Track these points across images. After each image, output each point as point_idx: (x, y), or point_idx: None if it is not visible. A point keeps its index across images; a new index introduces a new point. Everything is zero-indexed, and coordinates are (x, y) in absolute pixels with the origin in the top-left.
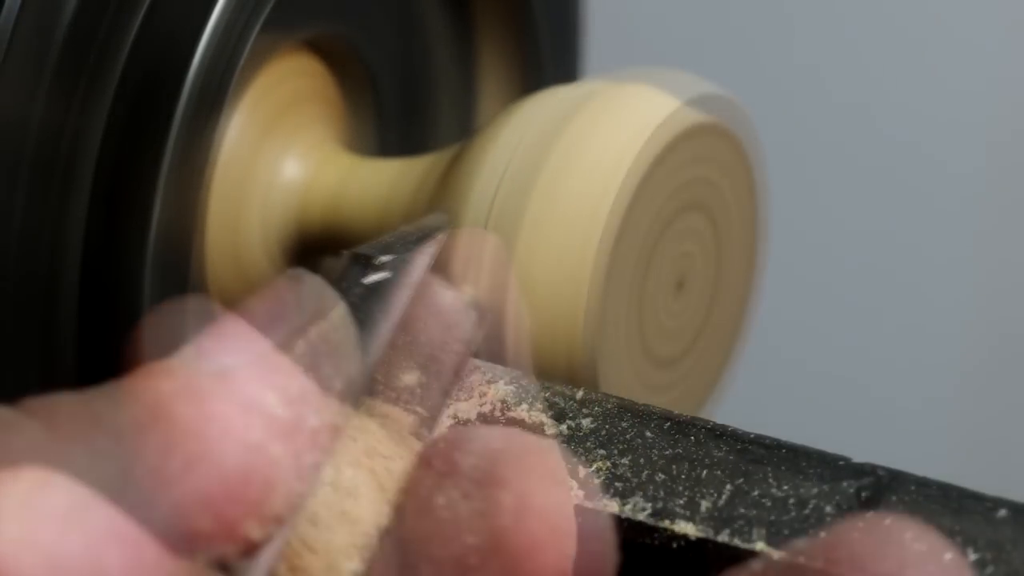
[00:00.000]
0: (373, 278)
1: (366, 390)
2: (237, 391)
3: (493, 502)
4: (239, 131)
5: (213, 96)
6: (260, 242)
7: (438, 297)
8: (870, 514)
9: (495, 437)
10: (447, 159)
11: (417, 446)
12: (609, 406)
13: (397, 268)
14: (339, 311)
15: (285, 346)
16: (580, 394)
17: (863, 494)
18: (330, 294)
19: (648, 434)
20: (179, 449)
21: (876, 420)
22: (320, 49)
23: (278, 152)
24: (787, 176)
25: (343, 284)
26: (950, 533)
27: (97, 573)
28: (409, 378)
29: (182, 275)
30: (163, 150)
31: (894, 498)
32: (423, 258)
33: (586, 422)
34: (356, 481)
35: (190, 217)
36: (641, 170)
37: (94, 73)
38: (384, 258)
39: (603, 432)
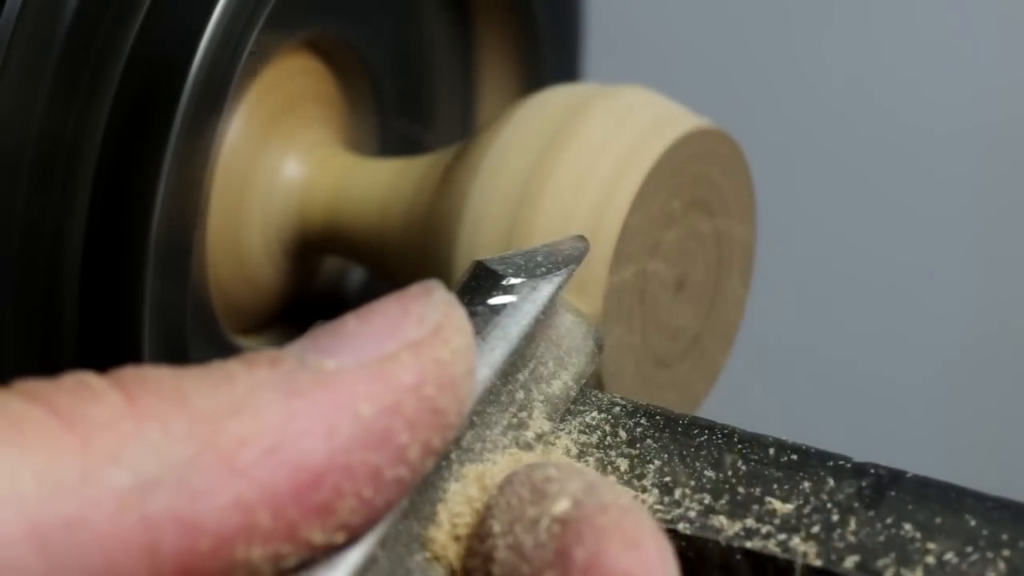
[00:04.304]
0: (498, 299)
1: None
2: (332, 394)
3: (565, 555)
4: (239, 131)
5: (214, 96)
6: (261, 241)
7: (559, 322)
8: None
9: (577, 486)
10: (447, 159)
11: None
12: (609, 406)
13: (525, 295)
14: (461, 337)
15: (395, 358)
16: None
17: (863, 494)
18: (458, 314)
19: (647, 435)
20: (256, 441)
21: (876, 420)
22: (320, 49)
23: (278, 152)
24: (788, 176)
25: (466, 297)
26: (950, 533)
27: (151, 555)
28: (505, 415)
29: (183, 274)
30: (164, 150)
31: (894, 498)
32: (552, 288)
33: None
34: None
35: (191, 216)
36: (644, 170)
37: (94, 73)
38: (514, 281)
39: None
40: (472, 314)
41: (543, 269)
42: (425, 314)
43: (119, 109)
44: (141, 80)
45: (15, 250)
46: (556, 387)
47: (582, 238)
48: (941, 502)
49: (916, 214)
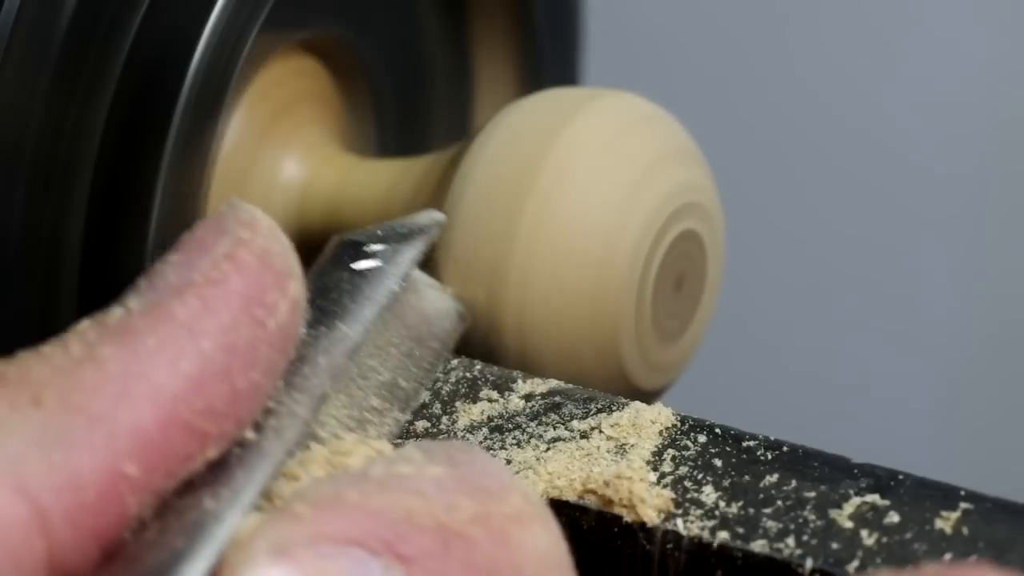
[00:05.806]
0: (362, 264)
1: (341, 377)
2: (163, 326)
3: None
4: (238, 131)
5: (212, 96)
6: None
7: (420, 292)
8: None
9: (455, 447)
10: (446, 159)
11: (383, 447)
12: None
13: (387, 258)
14: (273, 232)
15: (208, 278)
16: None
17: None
18: (261, 217)
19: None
20: (108, 386)
21: (876, 420)
22: (319, 50)
23: (277, 153)
24: (786, 179)
25: (330, 267)
26: (950, 533)
27: (40, 522)
28: (382, 376)
29: None
30: (162, 150)
31: (894, 498)
32: (413, 252)
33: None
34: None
35: (189, 217)
36: (644, 170)
37: (93, 73)
38: (375, 247)
39: None
40: (338, 280)
41: (403, 238)
42: (225, 224)
43: (118, 109)
44: (139, 80)
45: (14, 250)
46: (417, 356)
47: (436, 211)
48: (941, 502)
49: (916, 213)
